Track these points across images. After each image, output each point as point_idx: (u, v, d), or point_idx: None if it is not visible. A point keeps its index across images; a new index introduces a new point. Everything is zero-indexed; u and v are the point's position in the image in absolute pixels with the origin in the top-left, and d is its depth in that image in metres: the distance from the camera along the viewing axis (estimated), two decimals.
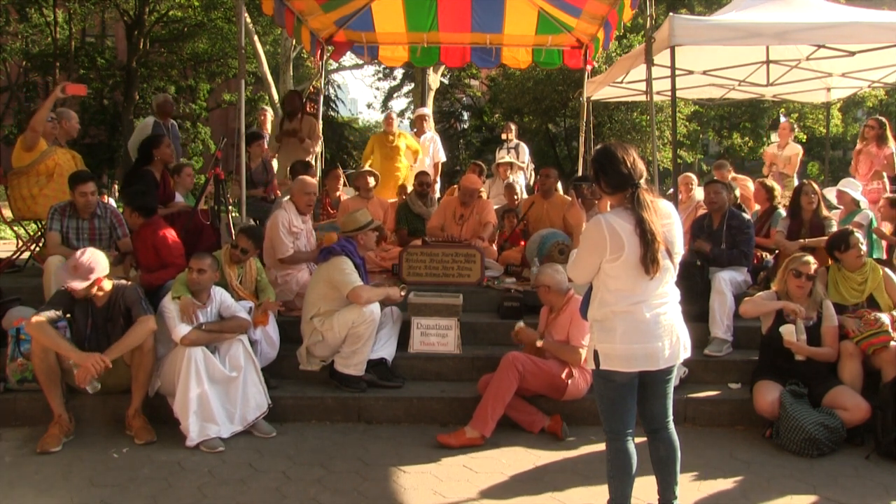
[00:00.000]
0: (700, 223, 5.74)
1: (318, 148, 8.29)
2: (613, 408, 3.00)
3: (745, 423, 4.55)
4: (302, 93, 17.94)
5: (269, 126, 9.01)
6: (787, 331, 4.36)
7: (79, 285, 4.05)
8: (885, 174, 7.28)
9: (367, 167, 8.33)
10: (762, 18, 6.00)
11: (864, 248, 4.84)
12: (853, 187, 6.45)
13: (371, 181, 7.07)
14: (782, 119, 9.06)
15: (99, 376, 3.98)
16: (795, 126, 9.03)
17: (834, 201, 6.77)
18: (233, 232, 5.46)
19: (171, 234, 5.05)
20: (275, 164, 7.85)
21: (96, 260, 4.12)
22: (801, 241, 5.61)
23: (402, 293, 4.93)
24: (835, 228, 5.58)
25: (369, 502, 3.52)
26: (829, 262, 5.17)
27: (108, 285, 4.25)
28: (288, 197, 5.72)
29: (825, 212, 5.81)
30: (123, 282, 4.41)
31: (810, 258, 4.57)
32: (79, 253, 4.14)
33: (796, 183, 6.87)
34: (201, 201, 6.16)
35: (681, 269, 3.10)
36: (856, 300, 4.81)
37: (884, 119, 7.65)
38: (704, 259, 5.40)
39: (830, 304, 4.58)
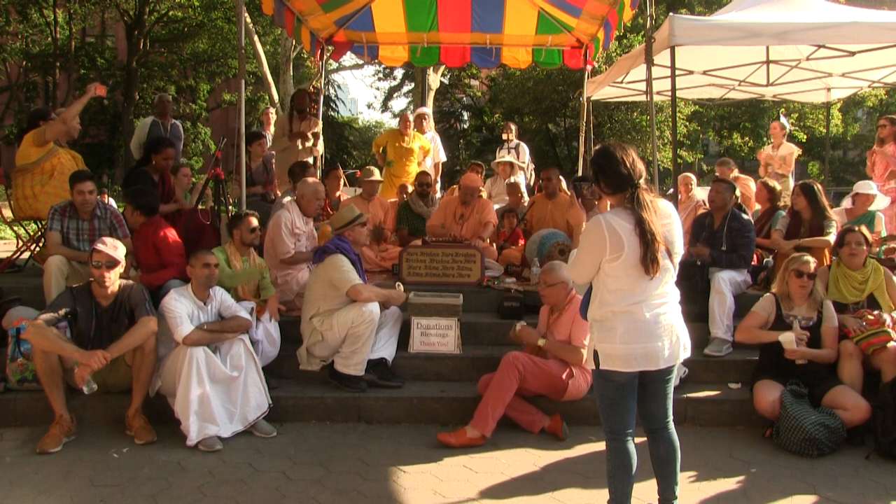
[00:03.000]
0: (701, 222, 5.73)
1: (320, 149, 8.28)
2: (613, 408, 3.00)
3: (745, 423, 4.56)
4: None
5: (272, 127, 9.03)
6: (787, 340, 4.34)
7: (108, 251, 4.17)
8: None
9: (381, 154, 8.40)
10: (762, 18, 6.00)
11: (862, 248, 4.82)
12: (869, 188, 6.34)
13: (379, 189, 7.11)
14: (782, 119, 9.03)
15: (90, 375, 3.97)
16: (787, 125, 8.99)
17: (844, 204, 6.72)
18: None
19: (171, 233, 5.06)
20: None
21: (124, 252, 4.33)
22: (797, 240, 5.61)
23: (404, 293, 4.95)
24: (834, 230, 5.57)
25: (369, 502, 3.52)
26: (828, 261, 5.15)
27: (117, 285, 4.27)
28: (289, 197, 5.71)
29: (829, 212, 5.78)
30: (130, 282, 4.42)
31: (809, 257, 4.57)
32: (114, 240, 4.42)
33: (792, 182, 6.84)
34: (199, 201, 6.16)
35: (681, 269, 3.10)
36: (855, 298, 4.82)
37: None
38: (703, 260, 5.40)
39: (831, 304, 4.58)
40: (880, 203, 6.41)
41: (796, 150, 8.71)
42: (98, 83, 6.46)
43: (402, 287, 5.09)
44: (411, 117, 8.89)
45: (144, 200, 5.05)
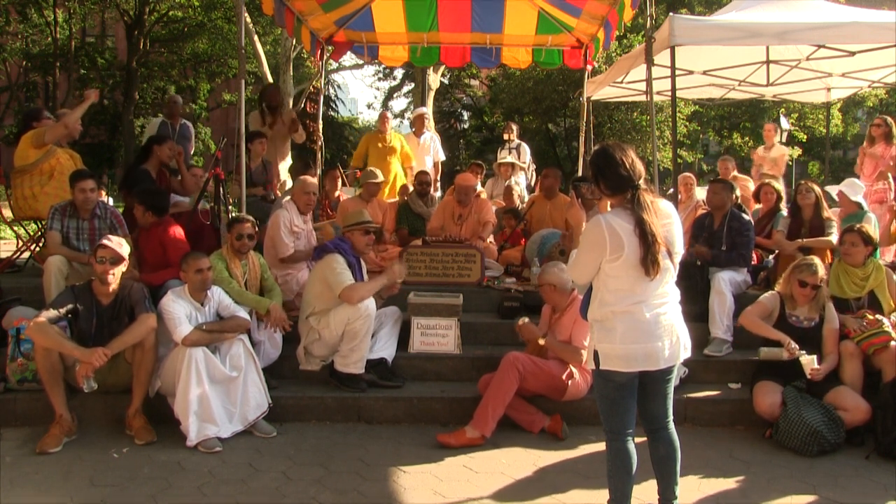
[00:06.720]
0: (701, 222, 5.73)
1: (301, 138, 8.14)
2: (613, 408, 3.00)
3: (745, 423, 4.55)
4: (302, 93, 18.00)
5: None
6: (807, 362, 4.28)
7: (113, 247, 4.17)
8: (889, 175, 7.21)
9: (362, 167, 8.32)
10: (762, 18, 6.00)
11: (858, 247, 4.80)
12: (856, 189, 6.25)
13: (378, 189, 7.09)
14: (782, 119, 9.06)
15: (92, 373, 3.96)
16: (787, 126, 9.06)
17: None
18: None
19: (179, 232, 5.08)
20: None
21: (128, 250, 4.34)
22: (800, 241, 5.60)
23: (401, 275, 4.87)
24: (835, 229, 5.56)
25: (369, 502, 3.52)
26: (830, 261, 5.13)
27: (118, 284, 4.28)
28: (289, 197, 5.71)
29: (826, 212, 5.77)
30: (130, 281, 4.42)
31: (819, 268, 4.46)
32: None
33: (783, 184, 6.86)
34: (199, 201, 6.16)
35: (681, 269, 3.10)
36: (855, 294, 4.82)
37: (890, 118, 7.60)
38: (704, 259, 5.40)
39: (832, 305, 4.57)
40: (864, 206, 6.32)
41: (787, 152, 8.74)
42: (95, 90, 6.51)
43: (401, 266, 4.94)
44: (389, 115, 8.87)
45: (157, 201, 5.05)
